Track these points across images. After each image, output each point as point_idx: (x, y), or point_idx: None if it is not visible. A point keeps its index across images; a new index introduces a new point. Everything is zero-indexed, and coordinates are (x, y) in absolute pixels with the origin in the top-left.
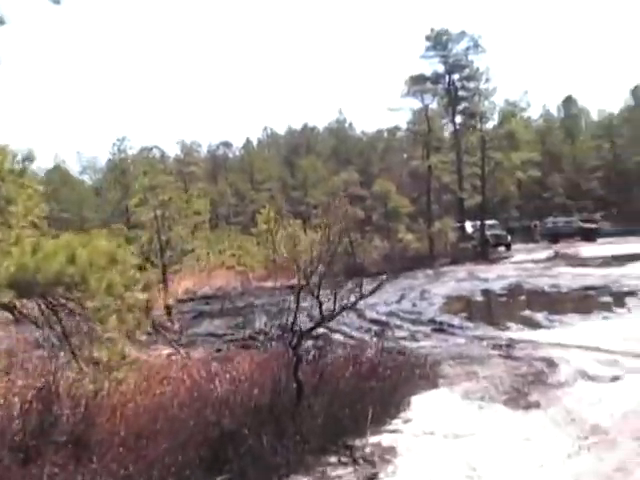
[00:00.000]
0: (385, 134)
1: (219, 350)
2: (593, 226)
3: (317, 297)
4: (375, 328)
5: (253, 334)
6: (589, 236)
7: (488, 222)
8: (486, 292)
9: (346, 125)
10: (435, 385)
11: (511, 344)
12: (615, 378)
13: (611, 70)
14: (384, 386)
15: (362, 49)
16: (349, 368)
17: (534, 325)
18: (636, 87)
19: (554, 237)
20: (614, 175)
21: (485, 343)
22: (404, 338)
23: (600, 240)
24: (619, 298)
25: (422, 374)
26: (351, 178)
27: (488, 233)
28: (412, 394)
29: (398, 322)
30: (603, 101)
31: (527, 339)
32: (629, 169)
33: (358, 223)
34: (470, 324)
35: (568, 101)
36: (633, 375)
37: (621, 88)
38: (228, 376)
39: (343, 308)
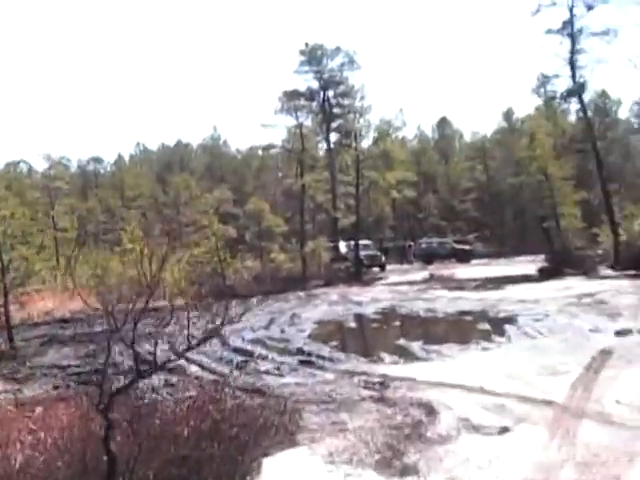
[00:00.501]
0: (260, 151)
1: (57, 387)
2: (467, 247)
3: (132, 345)
4: (238, 359)
5: (101, 366)
6: (463, 257)
7: (362, 242)
8: (359, 317)
9: (221, 142)
10: (294, 442)
11: (385, 381)
12: (504, 430)
13: (484, 93)
14: (230, 447)
15: (237, 64)
16: (190, 422)
17: (410, 357)
18: (508, 110)
19: (428, 258)
20: (487, 197)
21: (356, 380)
22: (268, 372)
23: (474, 261)
24: (497, 325)
25: (280, 425)
26: (224, 196)
27: (362, 253)
28: (265, 454)
29: (264, 351)
30: (476, 123)
31: (402, 375)
32: (502, 191)
33: (230, 242)
34: (341, 355)
35: (443, 122)
36: (523, 425)
37: (494, 110)
38: (30, 438)
39: (177, 355)
